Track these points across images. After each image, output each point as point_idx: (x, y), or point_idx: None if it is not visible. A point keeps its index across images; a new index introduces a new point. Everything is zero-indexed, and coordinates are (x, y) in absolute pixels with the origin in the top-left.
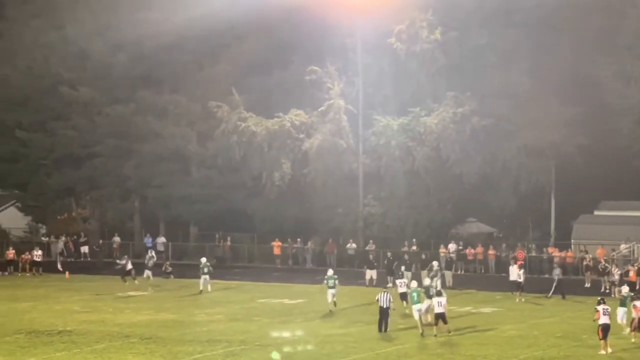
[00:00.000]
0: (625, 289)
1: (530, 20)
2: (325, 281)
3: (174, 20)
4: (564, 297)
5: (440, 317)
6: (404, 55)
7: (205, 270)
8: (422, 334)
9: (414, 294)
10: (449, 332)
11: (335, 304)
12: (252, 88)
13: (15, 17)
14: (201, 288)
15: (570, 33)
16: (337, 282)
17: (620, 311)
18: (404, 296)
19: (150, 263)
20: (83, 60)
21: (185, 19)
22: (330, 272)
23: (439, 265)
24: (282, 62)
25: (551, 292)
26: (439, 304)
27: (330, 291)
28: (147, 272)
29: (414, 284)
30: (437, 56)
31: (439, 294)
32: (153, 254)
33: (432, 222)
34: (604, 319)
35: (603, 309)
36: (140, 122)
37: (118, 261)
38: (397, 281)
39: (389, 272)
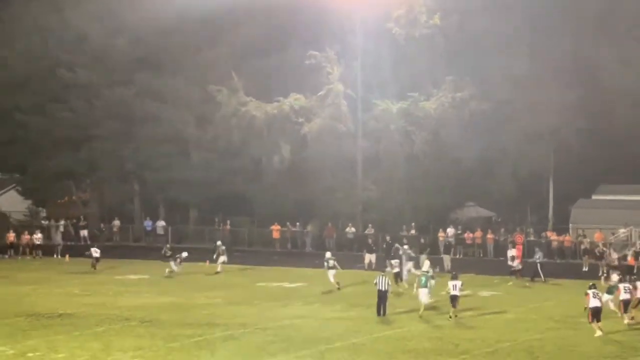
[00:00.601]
0: (614, 278)
1: (530, 4)
2: (325, 263)
3: (173, 3)
4: (532, 280)
5: (453, 299)
6: (403, 40)
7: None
8: (420, 316)
9: (423, 278)
10: (450, 317)
11: (338, 284)
12: (251, 72)
13: (15, 0)
14: (218, 270)
15: (569, 17)
16: (336, 262)
17: (606, 297)
18: (397, 276)
19: (179, 259)
20: (82, 43)
21: (184, 2)
22: (328, 254)
23: (406, 251)
24: (281, 46)
25: (542, 277)
26: (454, 287)
27: (331, 272)
28: (174, 265)
29: (426, 266)
30: (436, 41)
31: (454, 277)
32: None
33: (431, 206)
34: (594, 302)
35: (593, 292)
36: (139, 105)
37: (87, 253)
38: (392, 262)
39: (388, 256)
